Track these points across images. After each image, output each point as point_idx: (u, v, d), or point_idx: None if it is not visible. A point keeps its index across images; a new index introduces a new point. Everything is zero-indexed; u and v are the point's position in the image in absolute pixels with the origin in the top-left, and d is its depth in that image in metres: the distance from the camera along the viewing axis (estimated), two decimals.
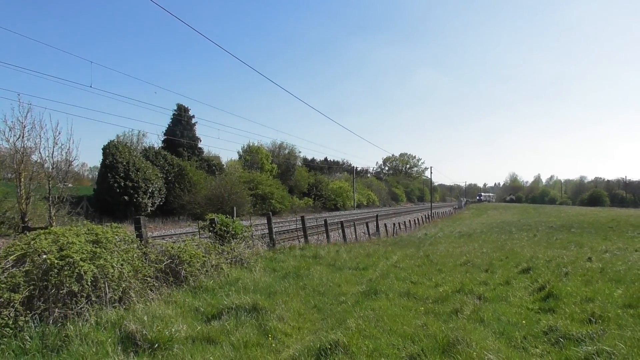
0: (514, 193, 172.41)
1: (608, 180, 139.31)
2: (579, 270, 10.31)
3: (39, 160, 21.36)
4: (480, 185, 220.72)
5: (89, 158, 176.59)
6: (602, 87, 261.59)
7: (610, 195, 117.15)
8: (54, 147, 20.47)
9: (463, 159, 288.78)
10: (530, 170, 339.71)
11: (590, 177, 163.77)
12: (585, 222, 33.08)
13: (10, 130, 19.80)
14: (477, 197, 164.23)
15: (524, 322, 6.00)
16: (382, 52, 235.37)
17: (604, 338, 5.01)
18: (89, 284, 5.53)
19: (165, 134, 51.04)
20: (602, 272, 9.91)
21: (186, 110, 51.96)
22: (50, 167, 20.77)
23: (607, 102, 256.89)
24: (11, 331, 4.64)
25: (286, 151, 73.54)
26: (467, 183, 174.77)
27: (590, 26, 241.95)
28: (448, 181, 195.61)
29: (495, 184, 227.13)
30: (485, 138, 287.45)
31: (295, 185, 66.45)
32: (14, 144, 20.17)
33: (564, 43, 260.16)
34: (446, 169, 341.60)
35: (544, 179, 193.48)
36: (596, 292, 7.61)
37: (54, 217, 20.11)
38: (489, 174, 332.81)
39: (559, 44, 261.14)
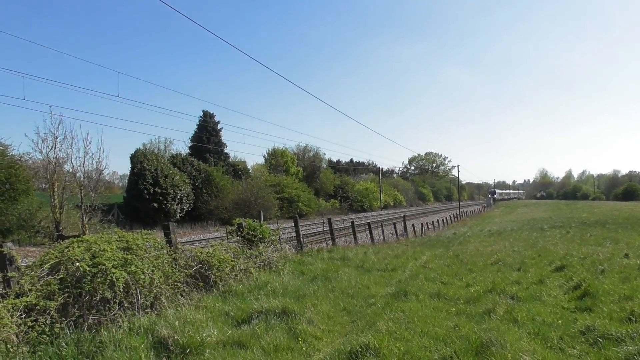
0: (545, 189, 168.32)
1: None
2: (616, 267, 9.98)
3: (71, 170, 22.01)
4: (510, 182, 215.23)
5: (119, 166, 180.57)
6: (632, 78, 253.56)
7: None
8: (85, 156, 21.09)
9: (491, 156, 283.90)
10: (560, 165, 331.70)
11: (624, 170, 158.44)
12: (621, 218, 32.09)
13: (43, 141, 20.46)
14: (489, 195, 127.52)
15: (559, 322, 5.84)
16: (407, 51, 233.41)
17: None
18: (121, 290, 5.63)
19: (191, 141, 51.85)
20: None
21: (212, 116, 52.60)
22: (82, 176, 21.36)
23: (638, 91, 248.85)
24: (48, 338, 4.74)
25: (311, 153, 73.68)
26: (496, 180, 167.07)
27: (618, 15, 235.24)
28: (476, 179, 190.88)
29: (524, 180, 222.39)
30: (514, 134, 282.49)
31: (321, 188, 66.48)
32: (47, 155, 20.83)
33: (593, 34, 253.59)
34: (474, 166, 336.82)
35: (575, 174, 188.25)
36: (635, 289, 7.34)
37: (86, 225, 20.64)
38: (518, 170, 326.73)
39: (588, 36, 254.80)
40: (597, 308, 6.42)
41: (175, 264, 7.26)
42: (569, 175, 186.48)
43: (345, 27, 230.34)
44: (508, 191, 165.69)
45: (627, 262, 10.57)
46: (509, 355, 4.43)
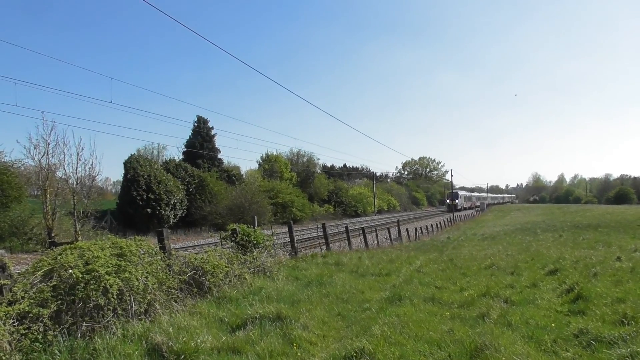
0: (538, 193, 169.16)
1: (635, 177, 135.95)
2: (608, 270, 10.07)
3: (63, 177, 21.81)
4: (503, 186, 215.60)
5: (112, 172, 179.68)
6: (625, 83, 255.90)
7: (637, 192, 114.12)
8: (77, 163, 20.90)
9: (485, 160, 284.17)
10: (553, 170, 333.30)
11: (615, 174, 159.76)
12: (613, 221, 32.35)
13: (35, 148, 20.28)
14: (448, 200, 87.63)
15: (553, 325, 5.88)
16: (402, 57, 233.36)
17: (638, 340, 4.86)
18: (115, 297, 5.60)
19: (185, 146, 51.73)
20: (632, 272, 9.66)
21: (205, 121, 52.55)
22: (75, 182, 21.17)
23: (629, 96, 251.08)
24: (41, 346, 4.71)
25: (305, 159, 73.66)
26: (489, 184, 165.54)
27: (611, 20, 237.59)
28: (469, 183, 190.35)
29: (517, 184, 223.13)
30: (508, 139, 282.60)
31: (315, 193, 66.40)
32: (39, 162, 20.64)
33: (587, 40, 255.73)
34: (468, 171, 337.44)
35: (567, 178, 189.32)
36: (627, 292, 7.42)
37: (79, 232, 20.48)
38: (512, 175, 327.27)
39: (582, 41, 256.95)
40: (590, 311, 6.47)
41: (169, 270, 7.23)
42: (561, 179, 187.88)
43: (341, 33, 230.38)
44: (480, 194, 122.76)
45: (619, 265, 10.66)
46: (503, 358, 4.46)
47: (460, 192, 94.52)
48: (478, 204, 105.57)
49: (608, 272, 9.76)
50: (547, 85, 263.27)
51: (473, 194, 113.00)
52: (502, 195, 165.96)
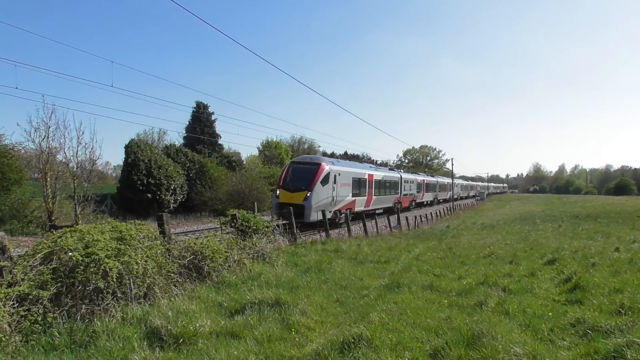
0: (538, 183, 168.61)
1: (635, 168, 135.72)
2: (607, 260, 10.10)
3: (64, 160, 21.76)
4: (503, 175, 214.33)
5: (113, 157, 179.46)
6: (627, 74, 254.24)
7: (637, 183, 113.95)
8: (78, 146, 20.82)
9: (486, 150, 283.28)
10: (554, 160, 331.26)
11: (616, 165, 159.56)
12: (612, 212, 32.41)
13: (35, 131, 20.19)
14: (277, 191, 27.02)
15: (550, 314, 5.91)
16: (405, 44, 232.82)
17: (634, 329, 4.88)
18: (115, 280, 5.62)
19: (185, 131, 51.58)
20: (630, 263, 9.70)
21: (205, 107, 52.32)
22: (75, 166, 21.15)
23: (631, 87, 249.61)
24: (40, 327, 4.74)
25: (305, 145, 73.60)
26: (490, 174, 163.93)
27: (617, 11, 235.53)
28: (470, 172, 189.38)
29: (518, 174, 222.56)
30: (510, 128, 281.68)
31: None
32: (40, 145, 20.57)
33: (591, 30, 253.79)
34: (469, 160, 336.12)
35: (568, 169, 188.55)
36: (625, 282, 7.45)
37: (79, 216, 20.50)
38: (512, 164, 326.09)
39: (586, 31, 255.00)
40: (588, 301, 6.50)
41: (169, 255, 7.25)
42: (561, 169, 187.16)
43: (344, 20, 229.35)
44: (436, 179, 74.01)
45: (617, 256, 10.70)
46: (500, 346, 4.47)
47: (334, 167, 27.53)
48: (429, 198, 60.95)
49: (606, 263, 9.80)
50: (550, 75, 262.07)
51: (408, 176, 51.24)
52: (504, 185, 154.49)
